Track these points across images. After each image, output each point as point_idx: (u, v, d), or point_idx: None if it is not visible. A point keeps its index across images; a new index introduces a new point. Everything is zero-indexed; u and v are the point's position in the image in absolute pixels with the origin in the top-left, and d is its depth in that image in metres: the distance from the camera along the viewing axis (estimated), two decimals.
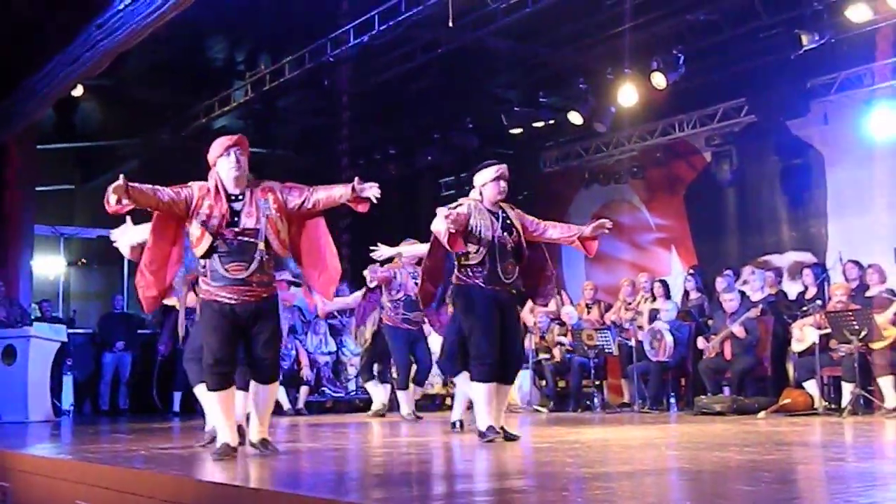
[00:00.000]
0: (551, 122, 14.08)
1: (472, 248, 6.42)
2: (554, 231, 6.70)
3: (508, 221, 6.56)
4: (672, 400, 11.33)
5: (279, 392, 5.80)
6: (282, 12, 11.19)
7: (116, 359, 13.41)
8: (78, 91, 12.52)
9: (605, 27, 11.59)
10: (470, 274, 6.45)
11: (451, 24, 10.16)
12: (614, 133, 14.19)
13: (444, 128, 14.89)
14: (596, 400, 11.55)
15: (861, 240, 11.88)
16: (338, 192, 5.62)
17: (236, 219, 5.43)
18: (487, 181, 6.60)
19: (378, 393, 10.96)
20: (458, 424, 8.06)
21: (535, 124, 14.25)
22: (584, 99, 13.01)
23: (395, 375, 10.60)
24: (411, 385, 10.18)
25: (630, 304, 12.02)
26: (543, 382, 12.03)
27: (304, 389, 12.42)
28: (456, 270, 6.56)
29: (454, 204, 6.60)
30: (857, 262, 10.56)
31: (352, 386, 13.24)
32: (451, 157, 15.44)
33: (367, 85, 12.82)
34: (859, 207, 12.08)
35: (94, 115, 14.49)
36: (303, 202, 5.60)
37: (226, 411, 5.52)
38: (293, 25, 11.67)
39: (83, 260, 15.80)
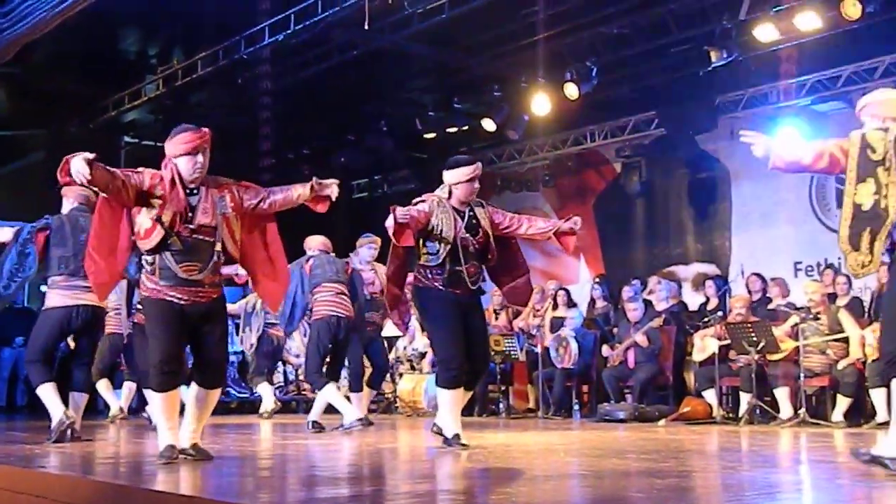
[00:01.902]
0: (465, 127, 14.18)
1: (431, 247, 6.09)
2: (529, 228, 6.40)
3: (474, 221, 6.22)
4: (576, 407, 11.46)
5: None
6: (197, 7, 11.03)
7: (15, 354, 13.08)
8: None
9: (520, 36, 11.68)
10: (429, 276, 6.12)
11: (366, 27, 10.15)
12: (527, 141, 14.34)
13: (358, 130, 14.88)
14: (501, 405, 11.62)
15: (763, 253, 12.21)
16: (295, 193, 5.43)
17: (191, 214, 5.15)
18: (461, 181, 6.17)
19: (269, 394, 10.92)
20: (313, 424, 8.44)
21: (449, 129, 14.33)
22: (498, 106, 13.11)
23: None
24: (365, 388, 9.65)
25: (538, 310, 12.13)
26: None
27: None
28: (415, 270, 6.25)
29: (416, 200, 6.20)
30: (759, 276, 10.85)
31: None
32: (365, 159, 15.44)
33: (282, 84, 12.72)
34: (762, 222, 12.42)
35: None
36: (259, 202, 5.39)
37: (169, 413, 5.23)
38: (208, 21, 11.52)
39: None
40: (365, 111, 14.34)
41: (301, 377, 13.37)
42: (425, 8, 10.50)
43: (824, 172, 4.93)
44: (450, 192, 6.24)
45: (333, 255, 8.87)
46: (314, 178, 5.45)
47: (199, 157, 5.18)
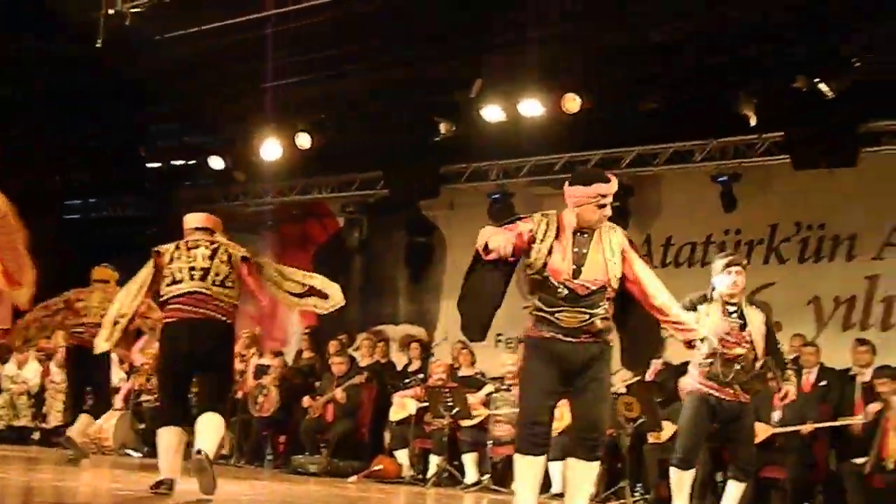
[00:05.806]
0: (192, 162, 13.88)
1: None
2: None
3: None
4: (269, 456, 11.36)
5: None
6: None
7: None
8: None
9: (256, 79, 11.62)
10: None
11: (98, 45, 9.83)
12: (254, 184, 14.22)
13: (80, 151, 14.22)
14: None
15: None
16: None
17: None
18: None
19: None
20: None
21: (175, 162, 13.97)
22: (229, 145, 12.96)
23: None
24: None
25: (244, 356, 11.97)
26: (142, 425, 11.61)
27: None
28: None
29: None
30: (464, 343, 11.21)
31: None
32: (84, 180, 14.80)
33: (5, 93, 11.99)
34: None
35: None
36: None
37: None
38: None
39: None
40: (90, 133, 13.75)
41: None
42: (163, 37, 10.27)
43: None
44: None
45: None
46: None
47: None
